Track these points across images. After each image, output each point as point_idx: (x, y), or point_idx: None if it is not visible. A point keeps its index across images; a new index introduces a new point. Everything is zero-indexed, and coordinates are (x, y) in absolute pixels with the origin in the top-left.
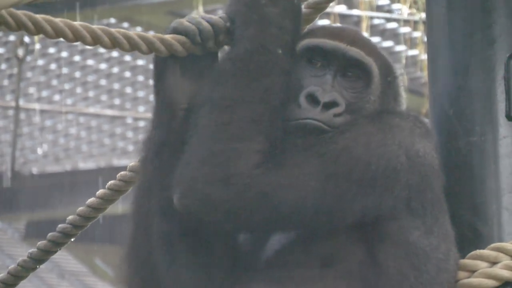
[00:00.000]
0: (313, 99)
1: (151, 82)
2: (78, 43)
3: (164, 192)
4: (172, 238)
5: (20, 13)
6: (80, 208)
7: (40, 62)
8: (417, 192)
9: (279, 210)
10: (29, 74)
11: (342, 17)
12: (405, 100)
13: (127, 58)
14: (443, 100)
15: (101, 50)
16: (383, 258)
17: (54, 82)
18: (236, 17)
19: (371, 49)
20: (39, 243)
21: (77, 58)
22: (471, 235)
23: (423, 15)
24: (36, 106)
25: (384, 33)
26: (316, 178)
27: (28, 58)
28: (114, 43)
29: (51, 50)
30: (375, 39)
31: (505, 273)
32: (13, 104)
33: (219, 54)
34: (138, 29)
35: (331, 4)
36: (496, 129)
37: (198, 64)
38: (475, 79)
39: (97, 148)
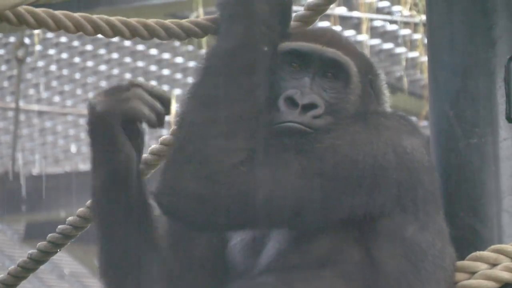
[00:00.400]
0: (291, 102)
1: (151, 82)
2: (78, 44)
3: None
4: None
5: (20, 8)
6: (80, 209)
7: (40, 63)
8: (407, 189)
9: (264, 208)
10: (29, 75)
11: (342, 19)
12: (389, 99)
13: (127, 59)
14: (444, 102)
15: (101, 51)
16: (380, 256)
17: (54, 83)
18: (225, 9)
19: (348, 49)
20: (39, 244)
21: (77, 59)
22: (471, 237)
23: (423, 17)
24: (36, 107)
25: (384, 35)
26: (301, 176)
27: (28, 60)
28: (114, 31)
29: (51, 51)
30: (375, 41)
31: (505, 275)
32: (13, 105)
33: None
34: None
35: (331, 6)
36: (496, 131)
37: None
38: (476, 81)
39: None
